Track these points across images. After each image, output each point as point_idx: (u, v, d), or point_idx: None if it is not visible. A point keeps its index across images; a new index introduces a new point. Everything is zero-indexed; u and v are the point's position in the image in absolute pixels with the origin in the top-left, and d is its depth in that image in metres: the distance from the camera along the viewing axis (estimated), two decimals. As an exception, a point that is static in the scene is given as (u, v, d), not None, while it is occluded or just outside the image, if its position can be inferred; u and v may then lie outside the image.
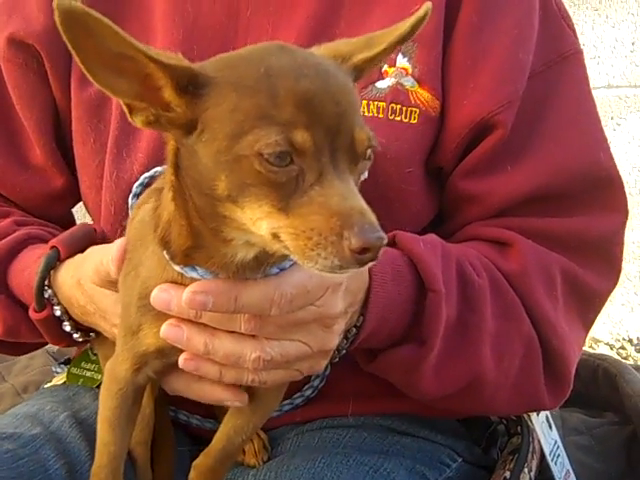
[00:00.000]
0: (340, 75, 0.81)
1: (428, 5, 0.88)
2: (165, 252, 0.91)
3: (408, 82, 1.21)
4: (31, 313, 1.18)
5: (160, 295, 0.92)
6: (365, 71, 0.87)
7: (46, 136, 1.37)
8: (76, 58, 0.73)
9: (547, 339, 1.21)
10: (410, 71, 1.20)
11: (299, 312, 0.92)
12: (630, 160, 2.53)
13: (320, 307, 0.94)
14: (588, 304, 1.30)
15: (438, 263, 1.12)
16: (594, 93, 1.33)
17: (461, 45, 1.20)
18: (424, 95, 1.21)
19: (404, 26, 0.88)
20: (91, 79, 0.75)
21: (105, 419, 1.06)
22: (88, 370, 1.38)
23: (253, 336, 0.93)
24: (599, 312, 1.33)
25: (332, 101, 0.76)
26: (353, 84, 0.84)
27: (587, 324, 1.31)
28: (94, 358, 1.36)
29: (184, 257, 0.90)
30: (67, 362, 1.48)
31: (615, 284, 1.33)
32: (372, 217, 0.75)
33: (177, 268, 0.91)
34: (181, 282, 0.92)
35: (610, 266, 1.31)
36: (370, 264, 0.75)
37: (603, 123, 1.33)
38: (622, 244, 1.31)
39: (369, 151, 0.80)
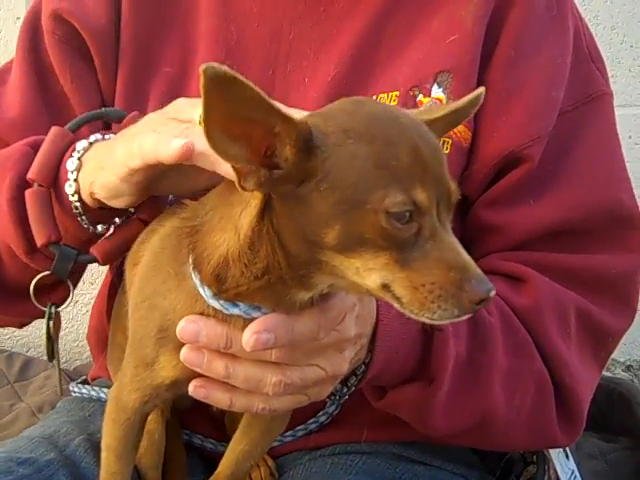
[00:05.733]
0: (426, 128, 0.82)
1: (482, 90, 0.91)
2: (207, 288, 0.89)
3: None
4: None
5: (188, 327, 0.90)
6: None
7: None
8: (205, 119, 0.72)
9: (559, 377, 1.21)
10: (445, 101, 1.21)
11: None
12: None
13: (338, 331, 0.94)
14: (602, 343, 1.29)
15: None
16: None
17: (496, 77, 1.21)
18: (457, 126, 1.21)
19: (461, 101, 0.90)
20: (207, 141, 0.74)
21: (111, 449, 1.05)
22: None
23: None
24: (613, 351, 1.33)
25: (435, 156, 0.79)
26: None
27: (600, 363, 1.31)
28: None
29: (234, 296, 0.88)
30: (84, 382, 1.48)
31: (630, 323, 1.32)
32: (479, 270, 0.79)
33: (216, 304, 0.89)
34: (207, 313, 0.91)
35: (626, 305, 1.30)
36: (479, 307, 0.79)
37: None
38: (639, 284, 1.31)
39: None
